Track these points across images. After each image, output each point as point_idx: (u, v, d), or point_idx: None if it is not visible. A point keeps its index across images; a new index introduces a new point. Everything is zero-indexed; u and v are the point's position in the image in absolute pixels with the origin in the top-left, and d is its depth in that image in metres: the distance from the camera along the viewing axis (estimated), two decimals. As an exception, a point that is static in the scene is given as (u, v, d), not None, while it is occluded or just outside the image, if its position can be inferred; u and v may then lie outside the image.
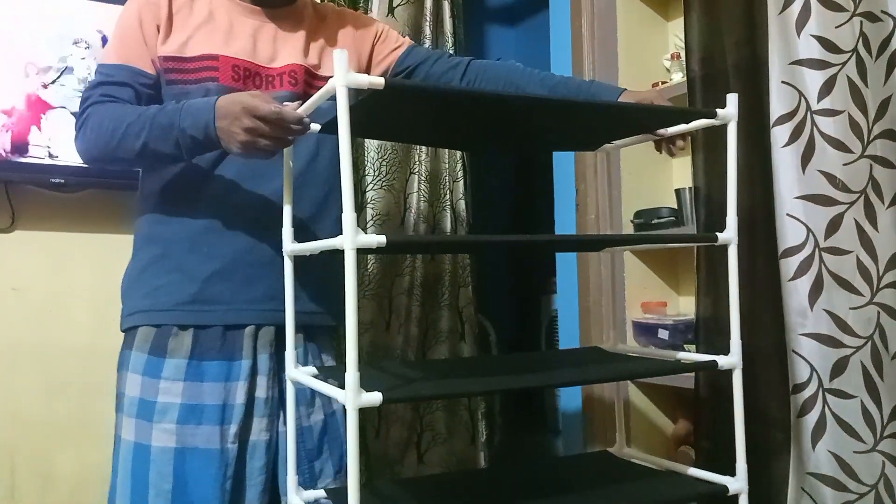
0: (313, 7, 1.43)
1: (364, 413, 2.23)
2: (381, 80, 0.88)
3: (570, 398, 2.59)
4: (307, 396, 1.30)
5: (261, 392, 1.26)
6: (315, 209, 1.34)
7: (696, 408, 1.95)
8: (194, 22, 1.28)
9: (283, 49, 1.32)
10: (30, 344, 1.88)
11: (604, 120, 1.18)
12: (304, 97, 1.17)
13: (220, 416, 1.22)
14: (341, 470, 1.33)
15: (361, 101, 0.94)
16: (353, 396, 0.86)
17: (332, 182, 1.36)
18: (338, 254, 0.89)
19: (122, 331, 1.30)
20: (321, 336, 1.38)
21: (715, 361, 1.10)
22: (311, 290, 1.31)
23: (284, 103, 1.09)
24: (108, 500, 1.28)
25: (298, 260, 1.16)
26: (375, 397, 0.87)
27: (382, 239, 0.88)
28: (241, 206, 1.26)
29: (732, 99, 1.14)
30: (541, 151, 1.68)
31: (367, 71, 1.45)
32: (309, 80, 1.33)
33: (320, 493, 1.18)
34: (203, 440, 1.21)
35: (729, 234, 1.12)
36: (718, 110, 1.12)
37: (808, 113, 1.61)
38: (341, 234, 0.87)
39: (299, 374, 1.10)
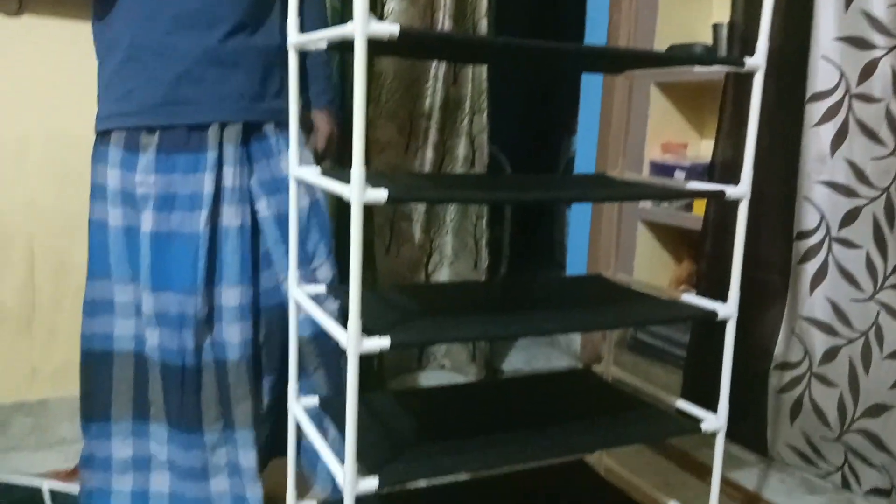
0: None
1: (373, 229, 2.26)
2: None
3: (577, 232, 2.62)
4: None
5: (228, 181, 1.34)
6: None
7: (701, 244, 1.96)
8: None
9: None
10: (41, 133, 1.88)
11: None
12: None
13: (191, 203, 1.32)
14: (331, 251, 1.43)
15: None
16: (358, 192, 0.86)
17: None
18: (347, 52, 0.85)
19: (97, 132, 1.38)
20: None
21: (723, 191, 1.09)
22: (279, 83, 1.38)
23: None
24: (87, 275, 1.40)
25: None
26: (381, 194, 0.87)
27: (395, 28, 0.84)
28: (204, 8, 1.28)
29: None
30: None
31: None
32: None
33: (321, 288, 1.22)
34: (177, 224, 1.32)
35: (757, 60, 1.06)
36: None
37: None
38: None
39: (304, 172, 1.10)
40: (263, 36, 1.36)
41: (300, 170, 1.12)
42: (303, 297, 1.13)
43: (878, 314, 1.64)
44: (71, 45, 1.86)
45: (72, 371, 1.97)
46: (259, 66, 1.36)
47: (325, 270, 1.43)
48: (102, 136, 1.37)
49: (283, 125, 1.39)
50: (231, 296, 1.35)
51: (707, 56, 1.95)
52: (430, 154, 2.34)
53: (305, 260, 1.40)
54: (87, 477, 1.41)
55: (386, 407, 1.19)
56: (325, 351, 1.41)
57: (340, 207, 1.88)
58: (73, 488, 1.60)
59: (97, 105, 1.39)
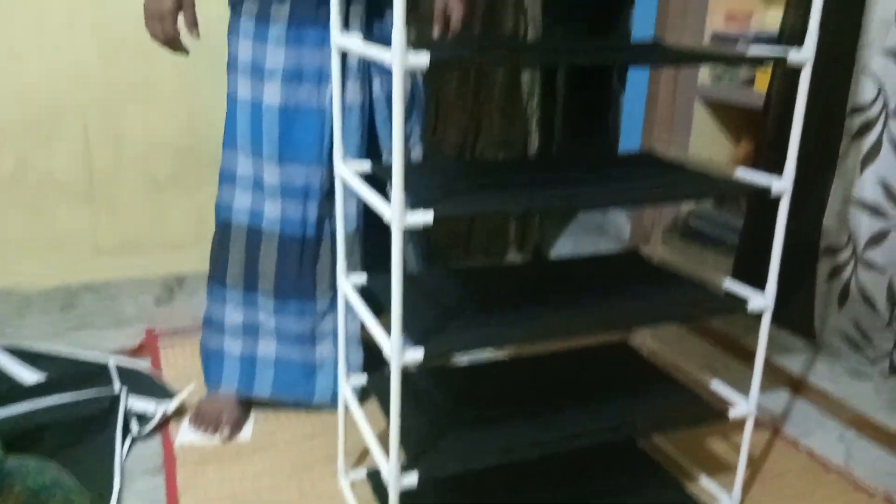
0: None
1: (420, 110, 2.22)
2: None
3: (631, 109, 2.53)
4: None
5: (353, 60, 1.39)
6: None
7: (763, 117, 1.87)
8: None
9: None
10: (88, 4, 1.86)
11: None
12: None
13: (318, 77, 1.38)
14: (424, 132, 1.52)
15: None
16: (399, 56, 0.83)
17: None
18: None
19: (230, 3, 1.41)
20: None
21: (785, 56, 1.02)
22: None
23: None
24: (222, 145, 1.47)
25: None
26: (423, 58, 0.84)
27: (426, 58, 0.85)
28: None
29: None
30: None
31: None
32: None
33: (366, 165, 1.21)
34: (304, 97, 1.39)
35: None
36: None
37: None
38: None
39: (346, 40, 1.07)
40: None
41: (342, 38, 1.08)
42: (348, 174, 1.13)
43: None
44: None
45: (135, 248, 2.05)
46: None
47: (418, 150, 1.52)
48: (235, 6, 1.40)
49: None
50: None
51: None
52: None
53: (406, 137, 1.46)
54: (207, 336, 1.55)
55: (432, 284, 1.20)
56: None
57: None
58: (139, 364, 1.69)
59: None
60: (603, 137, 3.57)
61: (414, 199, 0.92)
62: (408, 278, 1.04)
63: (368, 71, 1.42)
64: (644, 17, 2.38)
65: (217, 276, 1.50)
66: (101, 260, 2.02)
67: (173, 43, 1.36)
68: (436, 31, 1.56)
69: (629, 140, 2.57)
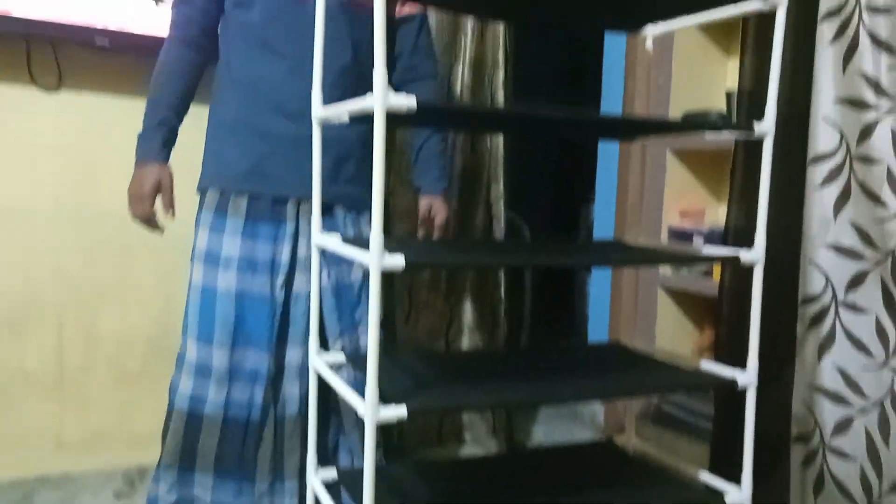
0: None
1: (392, 293, 2.28)
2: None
3: (597, 300, 2.61)
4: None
5: (302, 252, 1.49)
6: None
7: (717, 309, 1.94)
8: None
9: None
10: (72, 204, 1.94)
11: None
12: None
13: (270, 269, 1.47)
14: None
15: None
16: (377, 258, 0.88)
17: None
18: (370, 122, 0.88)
19: (198, 191, 1.54)
20: (364, 212, 1.56)
21: (737, 256, 1.09)
22: (353, 169, 1.53)
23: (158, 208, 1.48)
24: (181, 333, 1.53)
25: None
26: (399, 260, 0.89)
27: (413, 101, 0.88)
28: (292, 99, 1.45)
29: (784, -17, 1.08)
30: (584, 27, 1.63)
31: None
32: None
33: (340, 356, 1.22)
34: (257, 287, 1.47)
35: (766, 126, 1.08)
36: (769, -6, 1.07)
37: (857, 8, 1.52)
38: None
39: (324, 239, 1.12)
40: (347, 128, 1.45)
41: (321, 237, 1.14)
42: (321, 365, 1.14)
43: (893, 382, 1.59)
44: (105, 120, 1.94)
45: (99, 442, 1.99)
46: (339, 153, 1.49)
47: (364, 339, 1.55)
48: (200, 199, 1.53)
49: (349, 207, 1.54)
50: (295, 355, 1.50)
51: (718, 122, 1.98)
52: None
53: (352, 326, 1.53)
54: None
55: (405, 479, 1.18)
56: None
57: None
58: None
59: (201, 169, 1.55)
60: (571, 324, 3.64)
61: (387, 393, 0.93)
62: (379, 472, 1.02)
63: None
64: (604, 217, 2.53)
65: (162, 456, 1.51)
66: (64, 454, 1.97)
67: (150, 222, 1.49)
68: (420, 233, 1.69)
69: (597, 327, 2.63)
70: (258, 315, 1.47)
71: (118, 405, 2.01)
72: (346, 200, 1.53)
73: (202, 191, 1.53)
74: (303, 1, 1.43)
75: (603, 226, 2.54)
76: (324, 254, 1.48)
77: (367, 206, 1.52)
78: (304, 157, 1.40)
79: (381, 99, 0.86)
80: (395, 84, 1.64)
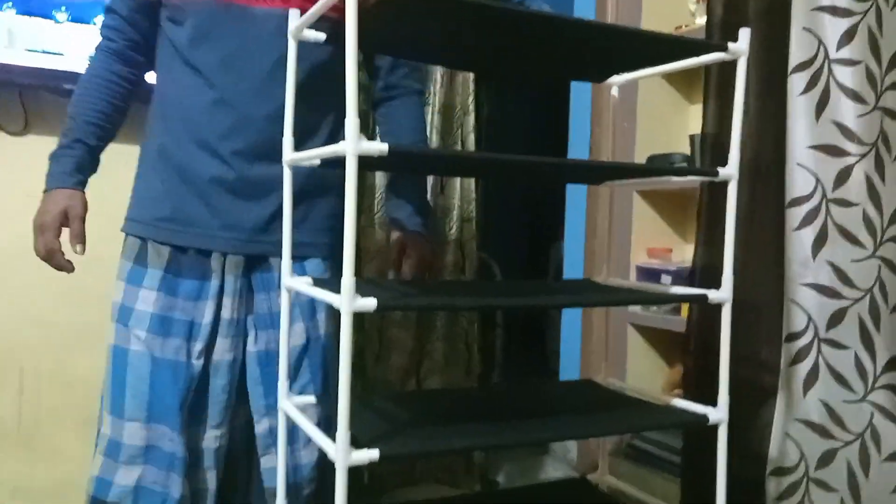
0: None
1: (363, 337, 2.26)
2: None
3: (569, 338, 2.63)
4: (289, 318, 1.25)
5: (226, 313, 1.29)
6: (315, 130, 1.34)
7: (686, 346, 1.96)
8: None
9: None
10: (41, 248, 1.91)
11: (616, 47, 1.16)
12: (301, 10, 1.12)
13: (188, 331, 1.27)
14: (324, 392, 1.34)
15: (370, 10, 0.93)
16: (348, 300, 0.88)
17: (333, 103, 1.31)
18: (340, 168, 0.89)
19: (123, 232, 1.36)
20: (310, 259, 1.37)
21: (705, 295, 1.11)
22: (297, 217, 1.29)
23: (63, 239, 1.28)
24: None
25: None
26: (371, 302, 0.89)
27: (385, 147, 0.89)
28: (213, 136, 1.27)
29: (745, 34, 1.12)
30: (551, 78, 1.67)
31: None
32: None
33: (310, 398, 1.21)
34: (171, 352, 1.26)
35: (730, 170, 1.11)
36: (730, 44, 1.11)
37: (826, 61, 1.58)
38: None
39: (295, 282, 1.12)
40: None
41: (291, 280, 1.14)
42: (291, 409, 1.13)
43: (871, 416, 1.63)
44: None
45: (59, 490, 1.92)
46: (276, 198, 1.27)
47: (311, 411, 1.31)
48: (122, 246, 1.35)
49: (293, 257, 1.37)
50: (212, 438, 1.30)
51: (683, 168, 2.03)
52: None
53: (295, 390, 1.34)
54: None
55: (385, 405, 1.17)
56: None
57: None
58: None
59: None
60: (543, 359, 3.65)
61: (359, 436, 0.92)
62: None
63: (244, 326, 1.32)
64: (573, 255, 2.56)
65: None
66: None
67: (54, 257, 1.27)
68: (400, 274, 1.51)
69: (569, 363, 2.63)
70: (169, 384, 1.24)
71: (79, 453, 1.94)
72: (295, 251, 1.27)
73: (126, 237, 1.34)
74: (243, 21, 1.24)
75: (572, 264, 2.57)
76: (254, 315, 1.32)
77: (312, 254, 1.35)
78: (229, 204, 1.28)
79: (353, 144, 0.87)
80: (377, 100, 1.49)
